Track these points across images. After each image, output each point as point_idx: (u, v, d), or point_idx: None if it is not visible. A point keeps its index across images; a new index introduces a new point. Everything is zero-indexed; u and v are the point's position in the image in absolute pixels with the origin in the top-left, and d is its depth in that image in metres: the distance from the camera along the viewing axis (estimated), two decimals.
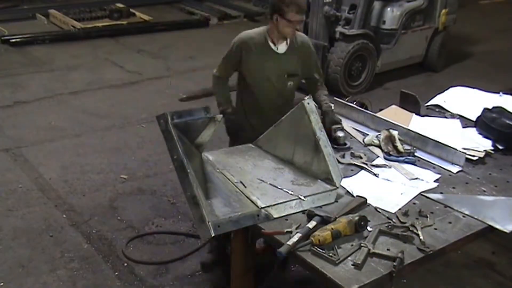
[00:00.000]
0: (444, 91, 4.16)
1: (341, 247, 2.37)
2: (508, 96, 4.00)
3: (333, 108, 3.47)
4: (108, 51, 8.05)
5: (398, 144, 3.20)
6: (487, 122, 3.47)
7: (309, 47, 3.48)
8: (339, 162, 3.04)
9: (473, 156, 3.21)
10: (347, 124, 3.59)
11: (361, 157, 3.15)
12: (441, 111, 3.89)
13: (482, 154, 3.24)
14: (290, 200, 2.66)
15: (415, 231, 2.51)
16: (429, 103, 4.00)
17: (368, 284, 2.21)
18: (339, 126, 3.30)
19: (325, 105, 3.43)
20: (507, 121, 3.39)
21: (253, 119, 3.50)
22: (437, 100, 4.03)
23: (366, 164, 3.09)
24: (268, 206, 2.60)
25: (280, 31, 3.25)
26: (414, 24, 7.20)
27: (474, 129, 3.58)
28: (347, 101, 3.90)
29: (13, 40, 8.03)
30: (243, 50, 3.35)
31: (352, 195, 2.78)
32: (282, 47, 3.35)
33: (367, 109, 3.88)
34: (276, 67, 3.36)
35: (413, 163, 3.14)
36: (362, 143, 3.37)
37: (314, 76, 3.56)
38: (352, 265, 2.28)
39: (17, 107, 6.15)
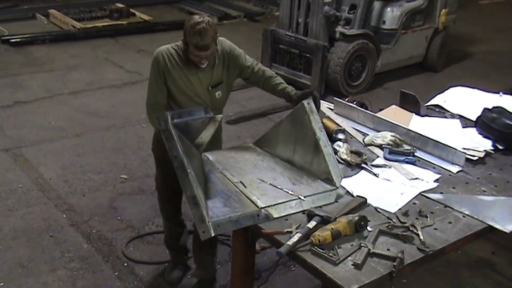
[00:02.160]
0: (444, 91, 4.16)
1: (341, 247, 2.37)
2: (508, 96, 4.00)
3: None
4: (108, 51, 8.05)
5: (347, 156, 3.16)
6: (487, 122, 3.46)
7: (232, 52, 3.21)
8: (339, 161, 3.05)
9: (473, 156, 3.21)
10: (347, 124, 3.59)
11: (360, 154, 3.15)
12: (441, 111, 3.89)
13: (482, 154, 3.24)
14: (290, 200, 2.66)
15: (415, 231, 2.51)
16: (429, 103, 4.00)
17: (368, 284, 2.21)
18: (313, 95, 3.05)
19: (286, 89, 3.21)
20: (507, 121, 3.38)
21: None
22: (437, 100, 4.03)
23: (366, 164, 3.09)
24: (268, 206, 2.60)
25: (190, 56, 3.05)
26: (414, 24, 7.21)
27: (474, 129, 3.58)
28: (347, 101, 3.89)
29: (13, 40, 8.04)
30: (165, 67, 3.09)
31: (352, 195, 2.78)
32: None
33: (367, 109, 3.88)
34: (200, 81, 3.13)
35: (413, 163, 3.14)
36: (362, 143, 3.37)
37: (247, 70, 3.27)
38: (352, 265, 2.28)
39: (17, 107, 6.15)
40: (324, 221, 2.49)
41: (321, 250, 2.32)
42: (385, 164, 3.11)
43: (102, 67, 7.45)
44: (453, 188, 2.93)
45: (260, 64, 3.34)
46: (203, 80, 3.14)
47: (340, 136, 3.26)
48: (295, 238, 2.36)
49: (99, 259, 3.85)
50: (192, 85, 3.13)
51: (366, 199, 2.72)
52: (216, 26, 3.04)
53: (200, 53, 2.99)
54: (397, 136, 3.29)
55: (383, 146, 3.26)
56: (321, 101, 3.96)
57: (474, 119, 3.64)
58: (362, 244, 2.38)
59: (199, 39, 2.92)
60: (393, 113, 3.69)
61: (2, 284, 3.57)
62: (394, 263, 2.28)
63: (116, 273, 3.73)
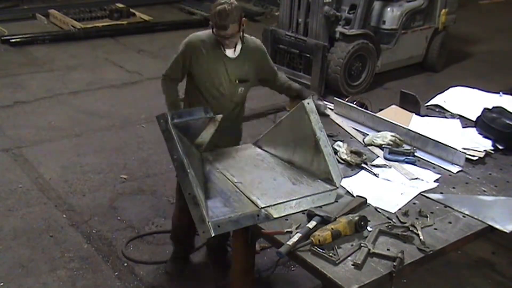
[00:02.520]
0: (444, 91, 4.16)
1: (341, 247, 2.37)
2: (508, 96, 4.01)
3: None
4: (108, 51, 8.05)
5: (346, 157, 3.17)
6: (487, 122, 3.46)
7: (260, 51, 3.36)
8: (339, 161, 3.05)
9: (473, 156, 3.21)
10: (347, 124, 3.59)
11: (360, 154, 3.15)
12: (441, 111, 3.89)
13: (482, 154, 3.24)
14: (290, 200, 2.66)
15: (415, 231, 2.51)
16: (429, 103, 4.00)
17: (368, 284, 2.21)
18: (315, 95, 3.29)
19: (293, 85, 3.43)
20: (507, 121, 3.39)
21: None
22: (437, 100, 4.03)
23: (366, 164, 3.09)
24: (268, 206, 2.60)
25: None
26: (414, 24, 7.20)
27: (474, 129, 3.58)
28: (347, 101, 3.90)
29: (13, 40, 8.03)
30: (193, 53, 3.22)
31: (352, 195, 2.78)
32: (233, 52, 3.21)
33: (367, 109, 3.88)
34: (226, 72, 3.22)
35: (413, 163, 3.14)
36: (362, 143, 3.37)
37: (270, 75, 3.43)
38: (352, 265, 2.28)
39: (17, 107, 6.15)
40: (324, 221, 2.49)
41: (321, 250, 2.32)
42: (385, 164, 3.11)
43: (102, 67, 7.45)
44: (453, 188, 2.93)
45: (277, 71, 3.48)
46: (230, 72, 3.23)
47: (320, 102, 3.34)
48: (295, 238, 2.36)
49: (99, 259, 3.85)
50: (217, 75, 3.21)
51: (366, 199, 2.72)
52: (241, 10, 3.15)
53: (220, 32, 3.09)
54: (397, 136, 3.29)
55: (383, 146, 3.26)
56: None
57: (474, 119, 3.64)
58: (362, 244, 2.38)
59: (218, 18, 3.05)
60: (393, 113, 3.69)
61: (2, 284, 3.57)
62: (394, 263, 2.28)
63: (116, 273, 3.73)
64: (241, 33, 3.17)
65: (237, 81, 3.25)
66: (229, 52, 3.20)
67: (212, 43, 3.19)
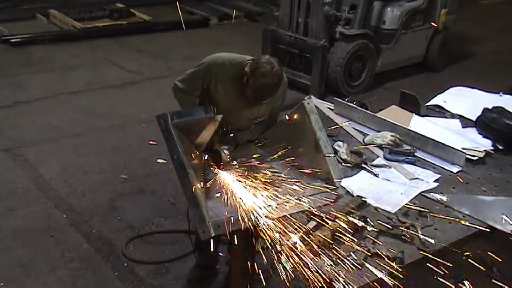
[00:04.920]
0: (444, 91, 4.16)
1: (341, 247, 2.37)
2: (508, 96, 4.01)
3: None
4: (108, 51, 8.05)
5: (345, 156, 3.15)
6: (487, 122, 3.47)
7: (283, 90, 3.15)
8: (339, 161, 3.05)
9: (473, 156, 3.21)
10: (347, 124, 3.59)
11: (360, 154, 3.15)
12: (441, 111, 3.89)
13: (482, 154, 3.24)
14: (290, 200, 2.66)
15: (415, 231, 2.51)
16: (429, 103, 4.00)
17: (368, 284, 2.21)
18: (229, 148, 3.02)
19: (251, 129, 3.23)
20: (507, 121, 3.39)
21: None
22: (437, 100, 4.03)
23: (366, 164, 3.09)
24: (268, 206, 2.60)
25: (245, 87, 2.98)
26: (414, 24, 7.20)
27: (474, 129, 3.58)
28: (347, 101, 3.90)
29: (13, 40, 8.03)
30: (214, 75, 3.04)
31: (352, 195, 2.78)
32: None
33: (367, 109, 3.88)
34: (243, 107, 3.09)
35: (413, 163, 3.14)
36: (362, 143, 3.37)
37: (270, 112, 3.25)
38: (352, 265, 2.28)
39: (17, 107, 6.15)
40: (324, 221, 2.48)
41: (321, 250, 2.32)
42: (385, 164, 3.12)
43: (102, 67, 7.44)
44: (453, 188, 2.93)
45: (279, 110, 3.31)
46: (248, 110, 3.12)
47: (225, 151, 3.01)
48: (295, 238, 2.36)
49: (99, 259, 3.85)
50: (235, 108, 3.08)
51: (366, 199, 2.72)
52: (286, 86, 3.02)
53: (253, 101, 2.98)
54: (397, 136, 3.29)
55: (383, 146, 3.26)
56: (321, 101, 3.99)
57: (474, 119, 3.64)
58: (362, 244, 2.38)
59: (257, 93, 2.92)
60: (393, 113, 3.69)
61: (2, 284, 3.57)
62: (394, 263, 2.28)
63: (116, 273, 3.73)
64: None
65: (252, 118, 3.17)
66: None
67: (237, 74, 3.01)
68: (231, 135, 3.13)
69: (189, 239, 3.46)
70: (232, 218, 2.50)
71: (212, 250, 3.45)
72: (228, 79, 3.06)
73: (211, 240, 3.38)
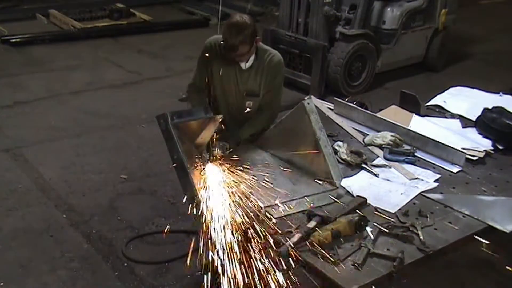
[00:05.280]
0: (444, 91, 4.16)
1: (341, 247, 2.37)
2: (508, 96, 4.00)
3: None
4: (108, 51, 8.05)
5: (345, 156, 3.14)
6: (487, 122, 3.46)
7: (276, 68, 3.20)
8: (339, 161, 3.04)
9: (473, 156, 3.21)
10: (347, 124, 3.59)
11: (360, 154, 3.15)
12: (441, 111, 3.89)
13: (482, 154, 3.24)
14: (290, 200, 2.66)
15: (415, 231, 2.51)
16: (429, 103, 4.00)
17: (368, 284, 2.21)
18: (224, 144, 3.01)
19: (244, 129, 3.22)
20: (507, 121, 3.39)
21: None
22: (437, 100, 4.03)
23: (366, 164, 3.09)
24: (268, 206, 2.60)
25: None
26: (414, 24, 7.20)
27: (474, 129, 3.58)
28: (347, 101, 3.89)
29: (13, 40, 8.03)
30: (210, 55, 3.16)
31: (352, 195, 2.78)
32: (244, 64, 3.13)
33: (367, 109, 3.88)
34: (236, 81, 3.17)
35: (413, 163, 3.14)
36: (362, 143, 3.37)
37: (265, 98, 3.25)
38: (352, 265, 2.28)
39: (17, 107, 6.15)
40: (324, 221, 2.49)
41: (321, 250, 2.32)
42: (385, 164, 3.11)
43: (102, 67, 7.44)
44: (453, 188, 2.93)
45: (278, 100, 3.31)
46: (239, 82, 3.15)
47: (218, 150, 2.98)
48: (295, 238, 2.36)
49: (99, 259, 3.85)
50: (228, 83, 3.16)
51: (366, 199, 2.72)
52: (255, 28, 3.02)
53: (229, 53, 3.01)
54: (397, 136, 3.29)
55: (383, 146, 3.26)
56: (321, 101, 3.99)
57: (474, 119, 3.63)
58: (362, 244, 2.38)
59: (228, 34, 2.96)
60: (393, 113, 3.69)
61: (2, 284, 3.57)
62: (394, 263, 2.28)
63: (116, 273, 3.73)
64: (255, 50, 3.08)
65: (244, 93, 3.19)
66: (242, 63, 3.14)
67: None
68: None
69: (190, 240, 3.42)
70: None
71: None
72: (218, 55, 3.14)
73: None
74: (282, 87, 3.30)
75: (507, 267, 2.98)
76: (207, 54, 3.16)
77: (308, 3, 6.53)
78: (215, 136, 2.92)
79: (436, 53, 7.61)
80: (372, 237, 2.43)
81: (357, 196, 2.75)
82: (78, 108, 6.19)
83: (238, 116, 3.25)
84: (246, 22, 2.96)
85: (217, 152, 2.92)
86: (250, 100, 3.22)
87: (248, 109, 3.24)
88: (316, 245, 2.34)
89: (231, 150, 3.02)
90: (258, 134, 3.30)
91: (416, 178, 2.99)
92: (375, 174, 3.02)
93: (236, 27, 2.93)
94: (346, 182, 2.87)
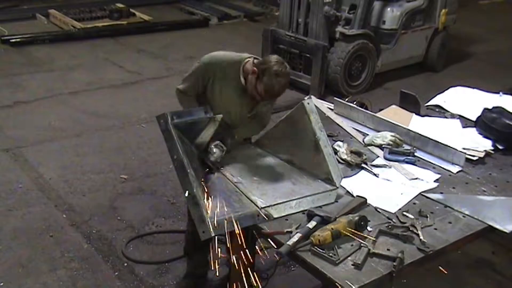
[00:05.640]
0: (444, 91, 4.16)
1: (341, 247, 2.37)
2: (508, 96, 4.01)
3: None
4: (108, 51, 8.05)
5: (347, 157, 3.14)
6: (487, 122, 3.46)
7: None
8: (339, 161, 3.05)
9: (473, 156, 3.21)
10: (347, 124, 3.59)
11: (360, 154, 3.15)
12: (441, 111, 3.89)
13: (482, 154, 3.24)
14: (290, 200, 2.66)
15: (415, 231, 2.51)
16: (429, 103, 4.00)
17: (368, 284, 2.21)
18: (217, 144, 2.94)
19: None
20: (507, 121, 3.39)
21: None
22: (437, 100, 4.03)
23: (366, 164, 3.09)
24: (268, 206, 2.60)
25: (249, 86, 2.97)
26: (414, 24, 7.20)
27: (474, 129, 3.58)
28: (347, 101, 3.90)
29: (13, 40, 8.03)
30: (211, 74, 3.04)
31: (352, 195, 2.78)
32: None
33: (367, 109, 3.88)
34: (240, 105, 3.08)
35: (413, 163, 3.14)
36: (362, 143, 3.37)
37: (265, 109, 3.21)
38: (352, 265, 2.28)
39: (17, 107, 6.15)
40: (324, 221, 2.49)
41: (321, 250, 2.32)
42: (385, 164, 3.11)
43: (102, 67, 7.44)
44: (453, 188, 2.93)
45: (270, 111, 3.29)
46: (244, 105, 3.09)
47: (215, 150, 2.94)
48: (295, 238, 2.36)
49: (99, 259, 3.85)
50: (230, 105, 3.07)
51: (366, 199, 2.72)
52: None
53: (267, 98, 2.98)
54: (397, 136, 3.29)
55: (383, 146, 3.26)
56: (321, 101, 3.99)
57: (474, 119, 3.64)
58: (362, 244, 2.38)
59: (268, 94, 2.90)
60: (393, 113, 3.69)
61: (2, 284, 3.57)
62: (394, 263, 2.28)
63: (116, 273, 3.73)
64: None
65: (249, 115, 3.15)
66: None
67: (233, 72, 3.02)
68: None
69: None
70: (232, 218, 2.50)
71: (203, 256, 3.47)
72: (226, 78, 3.04)
73: (204, 246, 3.38)
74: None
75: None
76: (212, 72, 3.03)
77: (308, 3, 6.54)
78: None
79: (436, 53, 7.61)
80: (372, 237, 2.43)
81: (357, 196, 2.75)
82: (78, 108, 6.19)
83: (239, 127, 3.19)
84: (288, 71, 2.91)
85: (216, 156, 2.90)
86: (252, 119, 3.18)
87: (250, 122, 3.21)
88: (316, 245, 2.34)
89: (228, 150, 3.00)
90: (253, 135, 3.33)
91: (416, 178, 2.99)
92: (375, 174, 3.02)
93: (286, 77, 2.88)
94: (346, 182, 2.87)
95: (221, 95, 3.06)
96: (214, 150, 2.89)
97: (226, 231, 2.48)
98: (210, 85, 3.07)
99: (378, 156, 3.21)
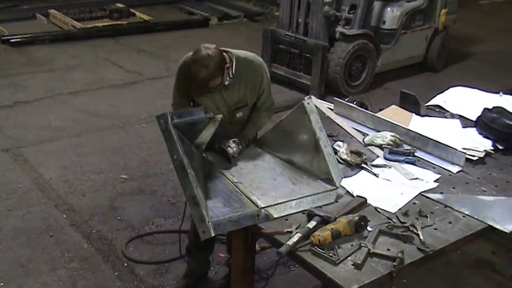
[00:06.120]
0: (444, 91, 4.16)
1: (341, 247, 2.37)
2: (508, 96, 4.01)
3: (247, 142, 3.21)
4: (108, 51, 8.05)
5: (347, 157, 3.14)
6: (487, 122, 3.46)
7: (259, 72, 3.12)
8: (339, 161, 3.05)
9: (473, 156, 3.21)
10: (347, 124, 3.59)
11: (360, 154, 3.15)
12: (441, 111, 3.89)
13: (482, 154, 3.24)
14: (290, 200, 2.66)
15: (415, 231, 2.51)
16: (429, 103, 4.00)
17: (368, 284, 2.21)
18: (235, 140, 3.07)
19: (246, 131, 3.22)
20: (507, 121, 3.38)
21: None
22: (437, 100, 4.03)
23: (366, 164, 3.09)
24: (268, 206, 2.60)
25: None
26: (414, 24, 7.20)
27: (474, 129, 3.58)
28: (347, 101, 3.90)
29: (13, 40, 8.03)
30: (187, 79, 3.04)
31: (352, 195, 2.78)
32: (227, 80, 3.02)
33: (367, 109, 3.88)
34: (223, 98, 3.09)
35: (413, 163, 3.14)
36: (362, 143, 3.37)
37: (260, 100, 3.22)
38: (352, 265, 2.28)
39: (17, 107, 6.15)
40: (324, 221, 2.49)
41: (321, 250, 2.32)
42: (385, 164, 3.11)
43: (102, 67, 7.44)
44: (453, 188, 2.93)
45: (271, 97, 3.28)
46: (226, 98, 3.10)
47: (232, 145, 3.08)
48: (295, 238, 2.36)
49: (99, 259, 3.85)
50: (214, 101, 3.09)
51: (366, 199, 2.72)
52: (220, 61, 2.90)
53: (202, 89, 2.96)
54: (397, 136, 3.29)
55: (383, 146, 3.26)
56: (321, 101, 3.99)
57: (474, 119, 3.63)
58: (362, 244, 2.38)
59: (191, 83, 2.93)
60: (393, 113, 3.69)
61: (2, 284, 3.57)
62: (394, 263, 2.28)
63: (116, 273, 3.73)
64: (231, 71, 2.99)
65: (233, 107, 3.14)
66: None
67: None
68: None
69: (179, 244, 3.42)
70: (232, 217, 2.50)
71: (204, 256, 3.48)
72: None
73: (207, 245, 3.39)
74: (270, 83, 3.24)
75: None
76: (185, 77, 3.03)
77: (308, 3, 6.54)
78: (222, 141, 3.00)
79: (436, 53, 7.61)
80: (372, 237, 2.43)
81: (357, 196, 2.75)
82: (78, 108, 6.19)
83: (229, 129, 3.18)
84: (210, 54, 2.84)
85: (233, 151, 3.02)
86: (240, 111, 3.17)
87: (239, 117, 3.20)
88: (316, 245, 2.34)
89: (242, 149, 3.10)
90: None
91: (416, 178, 2.99)
92: (375, 174, 3.02)
93: (201, 62, 2.83)
94: (346, 182, 2.87)
95: (206, 96, 3.07)
96: (233, 144, 3.02)
97: (226, 231, 2.49)
98: (193, 90, 3.08)
99: (378, 156, 3.21)
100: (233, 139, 3.07)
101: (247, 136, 3.21)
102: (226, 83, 3.03)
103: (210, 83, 2.91)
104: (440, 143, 3.20)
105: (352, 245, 2.40)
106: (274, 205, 2.62)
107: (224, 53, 2.97)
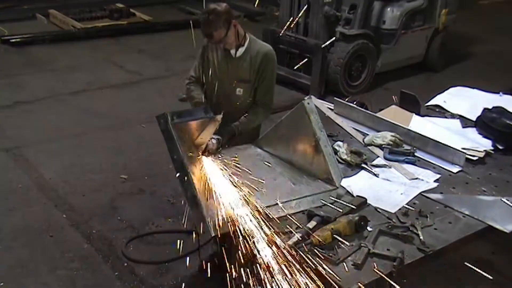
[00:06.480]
0: (444, 91, 4.16)
1: (341, 247, 2.37)
2: (508, 96, 4.00)
3: (237, 131, 3.26)
4: (108, 51, 8.05)
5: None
6: (487, 122, 3.47)
7: (267, 57, 3.30)
8: (339, 161, 3.05)
9: (473, 156, 3.21)
10: (347, 124, 3.59)
11: (360, 154, 3.15)
12: (441, 111, 3.89)
13: (482, 154, 3.24)
14: (290, 200, 2.66)
15: (415, 231, 2.51)
16: (429, 103, 4.00)
17: (368, 284, 2.21)
18: (218, 138, 3.09)
19: (237, 123, 3.28)
20: (507, 121, 3.39)
21: None
22: (437, 100, 4.03)
23: (366, 164, 3.09)
24: (268, 206, 2.60)
25: None
26: (414, 24, 7.20)
27: (474, 129, 3.58)
28: (347, 101, 3.90)
29: (13, 40, 8.03)
30: (206, 47, 3.35)
31: (352, 195, 2.78)
32: (237, 51, 3.28)
33: (367, 109, 3.88)
34: (227, 68, 3.30)
35: (413, 163, 3.14)
36: (362, 143, 3.37)
37: (259, 92, 3.34)
38: (352, 265, 2.28)
39: (17, 107, 6.15)
40: (324, 221, 2.49)
41: (321, 250, 2.32)
42: (385, 164, 3.11)
43: (102, 67, 7.45)
44: (453, 188, 2.93)
45: (271, 93, 3.40)
46: (230, 69, 3.26)
47: (214, 141, 3.08)
48: (295, 238, 2.36)
49: (99, 259, 3.85)
50: (220, 70, 3.27)
51: (366, 199, 2.72)
52: (228, 15, 3.14)
53: (208, 40, 3.22)
54: (397, 136, 3.29)
55: (383, 146, 3.26)
56: (321, 101, 3.99)
57: (474, 119, 3.64)
58: (362, 244, 2.38)
59: (202, 27, 3.13)
60: (393, 113, 3.69)
61: (2, 284, 3.57)
62: (394, 263, 2.28)
63: (116, 273, 3.73)
64: (237, 34, 3.20)
65: (236, 81, 3.27)
66: (232, 51, 3.27)
67: None
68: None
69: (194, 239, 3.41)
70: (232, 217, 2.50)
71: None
72: (213, 45, 3.30)
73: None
74: (274, 80, 3.38)
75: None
76: (206, 45, 3.32)
77: (308, 3, 6.53)
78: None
79: (436, 53, 7.61)
80: (372, 237, 2.43)
81: (357, 196, 2.75)
82: (78, 108, 6.19)
83: (226, 105, 3.24)
84: (217, 9, 3.12)
85: (211, 147, 2.98)
86: (241, 87, 3.29)
87: (238, 95, 3.29)
88: (316, 245, 2.34)
89: (225, 145, 3.10)
90: (254, 128, 3.41)
91: (416, 178, 2.99)
92: (375, 174, 3.02)
93: (207, 15, 3.09)
94: (346, 182, 2.87)
95: (212, 64, 3.28)
96: (214, 141, 3.02)
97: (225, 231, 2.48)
98: (207, 56, 3.33)
99: (378, 156, 3.21)
100: (217, 137, 3.07)
101: (235, 129, 3.26)
102: (239, 53, 3.25)
103: (215, 35, 3.11)
104: (440, 143, 3.20)
105: (352, 245, 2.40)
106: (274, 205, 2.62)
107: (236, 21, 3.21)
